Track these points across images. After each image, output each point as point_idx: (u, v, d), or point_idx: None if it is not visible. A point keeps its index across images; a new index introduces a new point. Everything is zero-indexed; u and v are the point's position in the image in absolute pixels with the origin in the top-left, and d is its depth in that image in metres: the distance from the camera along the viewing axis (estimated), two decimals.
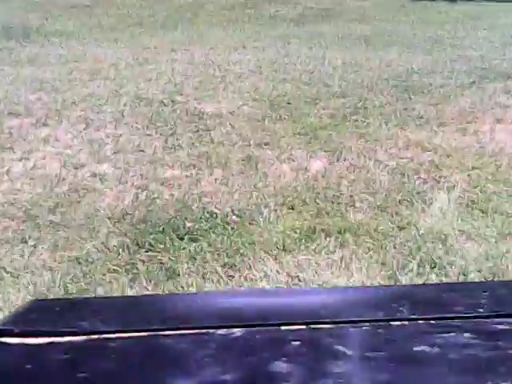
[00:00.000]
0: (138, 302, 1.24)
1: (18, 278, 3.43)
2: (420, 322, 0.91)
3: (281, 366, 0.77)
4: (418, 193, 4.47)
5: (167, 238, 3.81)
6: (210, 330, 0.87)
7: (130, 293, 3.26)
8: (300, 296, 1.17)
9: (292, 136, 5.55)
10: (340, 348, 0.82)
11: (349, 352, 0.81)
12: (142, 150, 5.31)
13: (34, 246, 3.78)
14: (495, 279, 3.40)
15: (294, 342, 0.84)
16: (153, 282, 3.40)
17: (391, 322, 0.90)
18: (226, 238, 3.80)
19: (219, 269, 3.49)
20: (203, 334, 0.87)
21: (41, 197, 4.47)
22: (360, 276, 3.40)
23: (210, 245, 3.74)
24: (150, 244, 3.76)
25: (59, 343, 0.85)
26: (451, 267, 3.48)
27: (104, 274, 3.46)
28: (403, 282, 3.20)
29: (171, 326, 0.91)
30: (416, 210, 4.19)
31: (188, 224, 3.98)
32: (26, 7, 13.98)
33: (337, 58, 8.53)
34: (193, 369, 0.79)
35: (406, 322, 0.90)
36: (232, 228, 3.93)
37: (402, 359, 0.82)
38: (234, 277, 3.43)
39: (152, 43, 9.94)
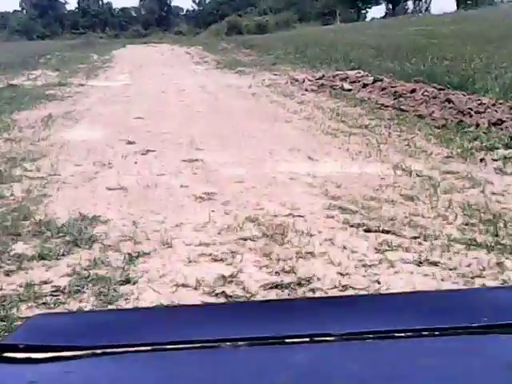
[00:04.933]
0: (141, 314, 1.22)
1: None
2: (424, 333, 0.90)
3: (285, 381, 0.78)
4: None
5: None
6: (214, 344, 0.87)
7: None
8: (303, 307, 1.16)
9: None
10: (343, 363, 0.83)
11: (352, 367, 0.82)
12: None
13: None
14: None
15: (297, 356, 0.84)
16: None
17: (395, 334, 0.89)
18: None
19: None
20: (207, 347, 0.87)
21: None
22: None
23: None
24: None
25: (64, 358, 0.86)
26: None
27: None
28: None
29: (175, 339, 0.90)
30: None
31: None
32: None
33: None
34: (196, 383, 0.81)
35: (410, 333, 0.90)
36: None
37: (404, 375, 0.82)
38: None
39: None
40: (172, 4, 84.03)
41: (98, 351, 0.87)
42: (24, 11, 78.22)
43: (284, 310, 1.10)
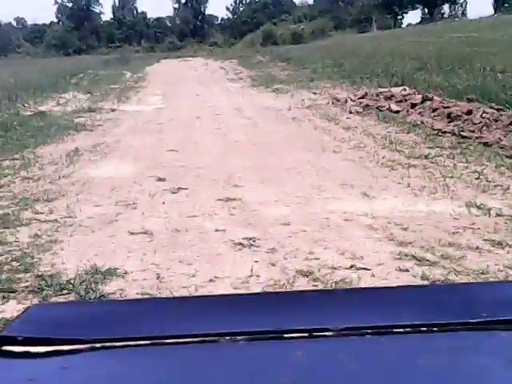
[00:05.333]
0: (140, 306, 1.19)
1: None
2: (423, 328, 0.89)
3: (283, 378, 0.78)
4: None
5: None
6: (214, 338, 0.87)
7: None
8: (302, 300, 1.10)
9: None
10: (342, 359, 0.83)
11: (350, 362, 0.81)
12: None
13: None
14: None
15: (296, 352, 0.84)
16: None
17: (394, 329, 0.89)
18: None
19: None
20: (206, 341, 0.87)
21: None
22: None
23: None
24: None
25: (62, 352, 0.85)
26: None
27: None
28: None
29: (175, 333, 0.89)
30: None
31: None
32: None
33: None
34: (196, 378, 0.81)
35: (409, 329, 0.89)
36: None
37: (402, 371, 0.82)
38: None
39: None
40: (206, 12, 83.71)
41: (97, 345, 0.86)
42: (60, 23, 78.64)
43: (283, 303, 1.08)
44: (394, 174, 7.04)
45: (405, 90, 13.90)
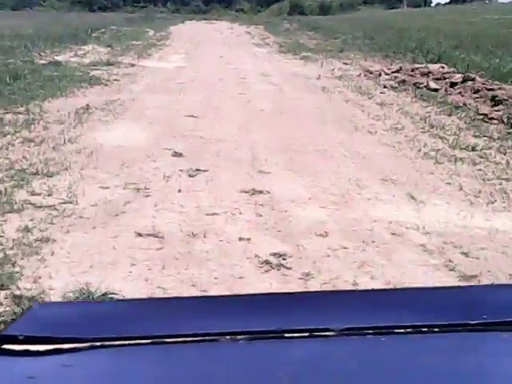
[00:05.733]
0: (141, 306, 1.18)
1: None
2: (423, 329, 0.89)
3: (284, 378, 0.78)
4: None
5: None
6: (214, 337, 0.86)
7: None
8: (303, 301, 1.11)
9: None
10: (342, 359, 0.83)
11: (350, 363, 0.81)
12: None
13: None
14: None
15: (296, 352, 0.84)
16: None
17: (395, 330, 0.89)
18: None
19: None
20: (207, 341, 0.86)
21: None
22: None
23: None
24: None
25: (63, 350, 0.85)
26: None
27: None
28: None
29: (175, 332, 0.89)
30: None
31: None
32: None
33: None
34: (196, 377, 0.80)
35: (410, 330, 0.89)
36: None
37: (403, 372, 0.82)
38: None
39: None
40: None
41: (97, 344, 0.85)
42: None
43: (284, 303, 1.07)
44: (440, 169, 6.19)
45: (443, 67, 12.93)
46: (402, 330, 0.89)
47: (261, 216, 4.62)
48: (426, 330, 0.89)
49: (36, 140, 6.62)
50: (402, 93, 10.97)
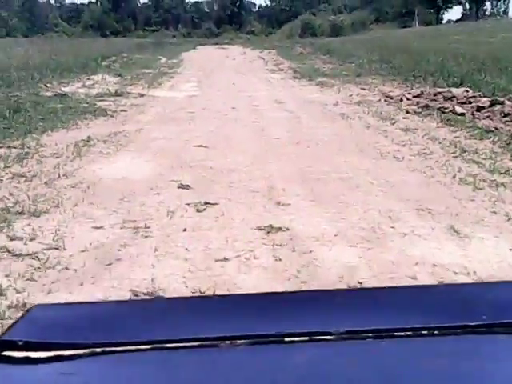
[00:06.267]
0: (140, 307, 1.13)
1: None
2: (424, 332, 0.89)
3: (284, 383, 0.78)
4: None
5: None
6: (214, 342, 0.86)
7: None
8: (302, 301, 1.05)
9: None
10: (342, 363, 0.83)
11: (351, 367, 0.81)
12: None
13: None
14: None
15: (297, 357, 0.83)
16: None
17: (395, 333, 0.88)
18: None
19: None
20: (206, 346, 0.85)
21: None
22: None
23: None
24: None
25: (63, 357, 0.84)
26: None
27: None
28: None
29: (175, 337, 0.87)
30: None
31: None
32: None
33: None
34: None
35: (410, 333, 0.88)
36: None
37: (403, 376, 0.82)
38: None
39: None
40: None
41: (97, 350, 0.85)
42: (98, 3, 77.02)
43: (283, 304, 1.05)
44: (481, 195, 5.47)
45: (467, 91, 12.22)
46: (403, 333, 0.87)
47: (280, 260, 3.89)
48: (426, 332, 0.88)
49: (27, 175, 5.97)
50: (426, 118, 10.26)
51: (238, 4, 77.90)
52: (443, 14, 67.52)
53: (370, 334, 0.86)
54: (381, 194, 5.53)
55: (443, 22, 62.43)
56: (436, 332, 0.88)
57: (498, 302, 1.00)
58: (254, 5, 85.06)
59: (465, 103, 11.26)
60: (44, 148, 7.34)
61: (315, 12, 62.66)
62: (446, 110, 10.80)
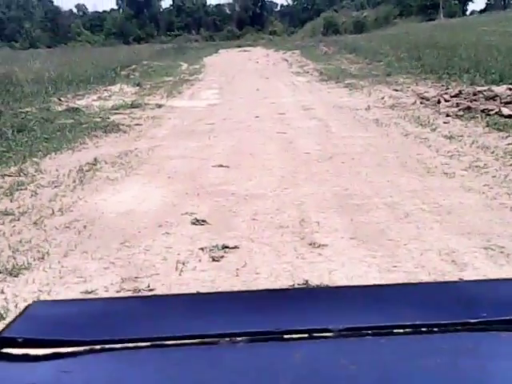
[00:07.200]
0: (140, 303, 1.15)
1: None
2: (423, 329, 0.87)
3: (283, 380, 0.76)
4: None
5: None
6: (213, 339, 0.85)
7: None
8: (302, 298, 1.05)
9: None
10: (341, 360, 0.81)
11: (350, 364, 0.80)
12: None
13: None
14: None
15: (296, 354, 0.82)
16: None
17: (394, 330, 0.87)
18: None
19: None
20: (206, 343, 0.84)
21: None
22: None
23: None
24: None
25: (62, 354, 0.83)
26: None
27: None
28: None
29: (174, 334, 0.86)
30: None
31: None
32: None
33: None
34: (195, 381, 0.79)
35: (409, 330, 0.87)
36: None
37: (402, 373, 0.80)
38: None
39: None
40: None
41: (97, 347, 0.84)
42: (120, 10, 76.90)
43: (282, 300, 1.04)
44: None
45: (510, 89, 11.15)
46: (402, 330, 0.86)
47: None
48: (425, 329, 0.87)
49: (16, 212, 5.09)
50: (469, 122, 9.21)
51: (259, 4, 77.27)
52: (467, 4, 66.14)
53: (369, 331, 0.86)
54: (436, 226, 4.55)
55: (467, 13, 61.06)
56: (436, 329, 0.87)
57: (497, 299, 0.99)
58: (276, 4, 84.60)
59: (510, 103, 10.22)
60: (43, 175, 6.46)
61: (337, 9, 61.58)
62: (491, 113, 9.74)
